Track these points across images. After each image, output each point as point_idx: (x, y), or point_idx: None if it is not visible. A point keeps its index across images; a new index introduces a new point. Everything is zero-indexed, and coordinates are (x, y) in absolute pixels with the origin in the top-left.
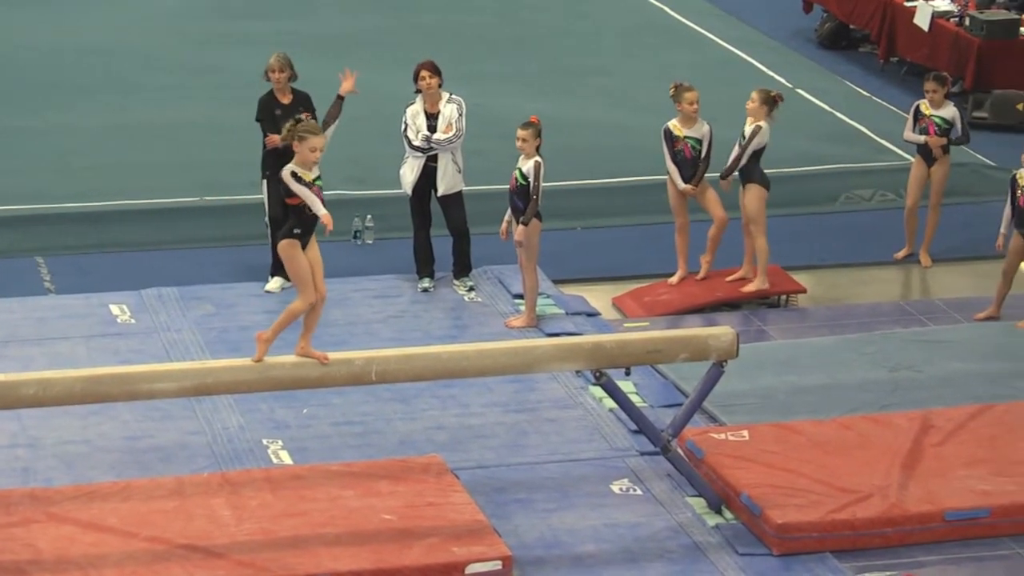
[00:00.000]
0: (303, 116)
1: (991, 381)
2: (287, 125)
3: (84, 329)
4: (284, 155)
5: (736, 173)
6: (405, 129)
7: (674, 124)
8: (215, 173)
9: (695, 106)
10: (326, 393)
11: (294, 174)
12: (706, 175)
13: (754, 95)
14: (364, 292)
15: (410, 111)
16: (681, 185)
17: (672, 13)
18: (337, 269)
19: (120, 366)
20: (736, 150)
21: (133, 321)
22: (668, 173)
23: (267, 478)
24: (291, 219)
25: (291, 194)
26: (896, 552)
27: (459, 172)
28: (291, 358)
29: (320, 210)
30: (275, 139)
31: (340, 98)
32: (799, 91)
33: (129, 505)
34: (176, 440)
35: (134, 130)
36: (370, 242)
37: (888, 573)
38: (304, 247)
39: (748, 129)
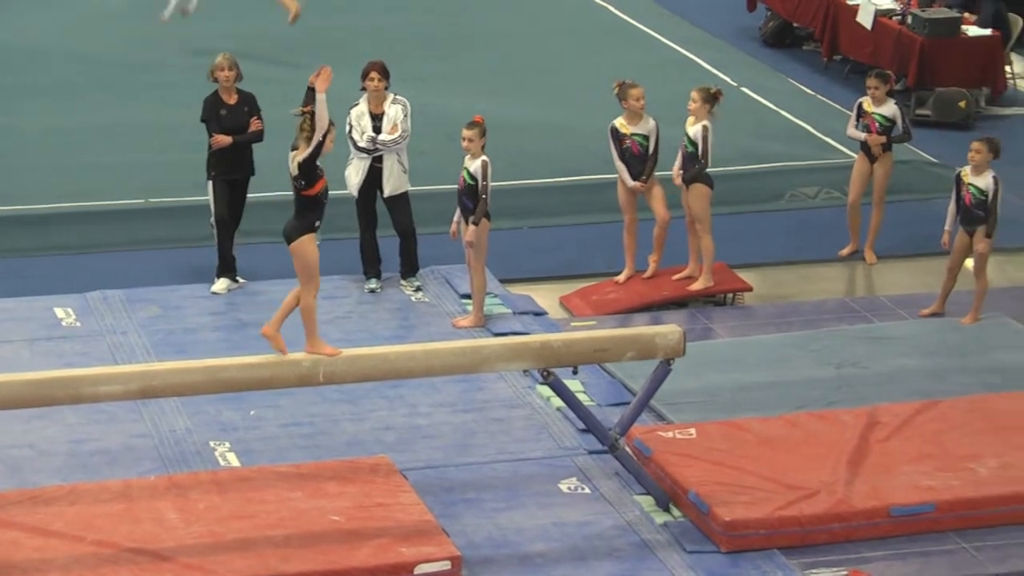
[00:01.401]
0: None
1: (936, 377)
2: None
3: (28, 332)
4: (229, 155)
5: (681, 172)
6: (350, 130)
7: (620, 122)
8: (160, 175)
9: (641, 102)
10: (274, 395)
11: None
12: (654, 173)
13: (694, 95)
14: None
15: (354, 112)
16: (630, 183)
17: (617, 13)
18: (283, 270)
19: (65, 369)
20: (680, 152)
21: (78, 324)
22: (617, 171)
23: (214, 480)
24: (309, 212)
25: (310, 186)
26: (843, 548)
27: (405, 173)
28: (239, 359)
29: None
30: (221, 139)
31: (311, 89)
32: (744, 89)
33: (75, 509)
34: (122, 443)
35: (77, 132)
36: (317, 243)
37: (835, 569)
38: None
39: (691, 130)
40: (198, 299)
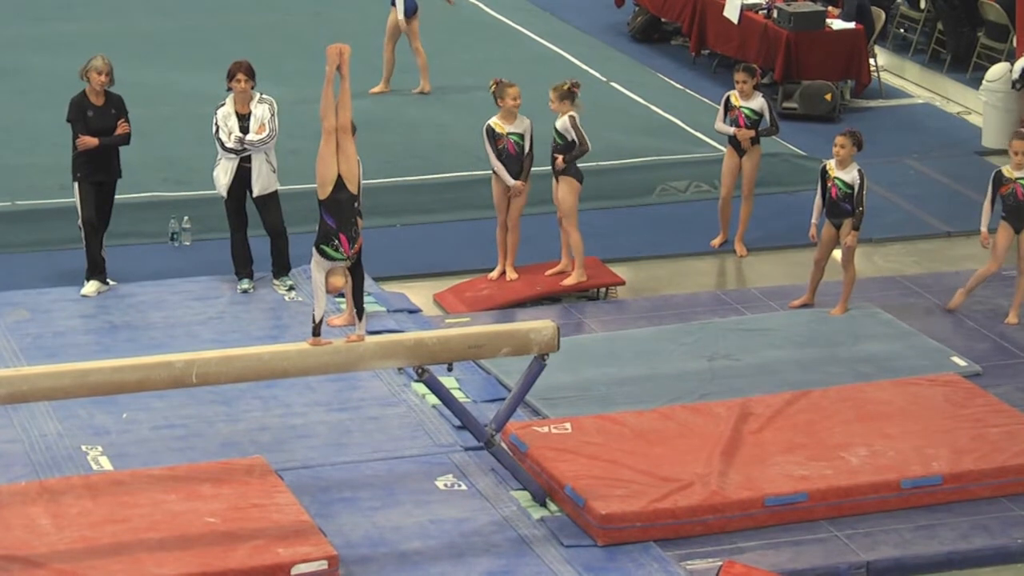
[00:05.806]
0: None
1: (806, 367)
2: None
3: None
4: (96, 157)
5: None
6: (217, 131)
7: (495, 122)
8: (25, 177)
9: (518, 101)
10: (146, 397)
11: None
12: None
13: (551, 95)
14: (183, 294)
15: (221, 113)
16: (511, 182)
17: (486, 9)
18: (155, 271)
19: None
20: (553, 145)
21: None
22: (493, 171)
23: (87, 485)
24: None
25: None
26: (718, 539)
27: (274, 172)
28: (110, 362)
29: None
30: (87, 141)
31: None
32: (613, 84)
33: None
34: None
35: None
36: (188, 244)
37: (710, 560)
38: None
39: (558, 124)
40: (67, 302)
